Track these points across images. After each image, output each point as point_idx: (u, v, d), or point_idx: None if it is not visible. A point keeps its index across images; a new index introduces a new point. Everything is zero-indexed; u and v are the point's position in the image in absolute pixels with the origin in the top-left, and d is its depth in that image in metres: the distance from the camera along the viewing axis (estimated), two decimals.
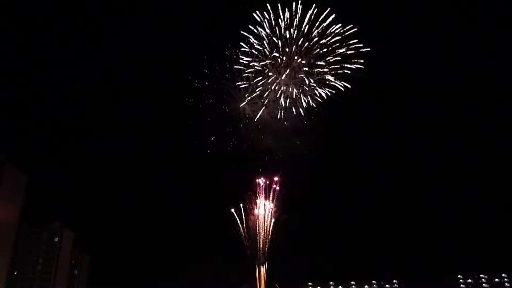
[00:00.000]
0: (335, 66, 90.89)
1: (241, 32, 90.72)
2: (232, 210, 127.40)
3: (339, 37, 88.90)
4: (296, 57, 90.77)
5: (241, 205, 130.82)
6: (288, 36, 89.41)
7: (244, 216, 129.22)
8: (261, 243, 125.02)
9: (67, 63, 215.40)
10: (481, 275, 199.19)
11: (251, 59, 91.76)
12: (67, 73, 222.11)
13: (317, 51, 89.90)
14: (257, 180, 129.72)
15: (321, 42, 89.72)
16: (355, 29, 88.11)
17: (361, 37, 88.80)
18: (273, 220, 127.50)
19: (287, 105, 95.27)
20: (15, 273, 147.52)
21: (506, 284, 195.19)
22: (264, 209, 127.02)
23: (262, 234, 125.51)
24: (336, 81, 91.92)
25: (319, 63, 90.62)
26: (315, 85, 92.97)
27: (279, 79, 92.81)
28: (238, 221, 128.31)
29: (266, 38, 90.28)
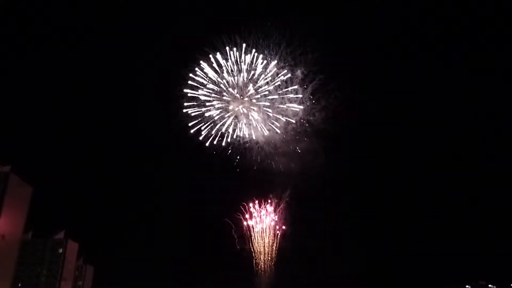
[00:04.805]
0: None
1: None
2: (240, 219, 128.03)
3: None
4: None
5: (247, 217, 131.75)
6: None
7: (252, 229, 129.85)
8: (267, 256, 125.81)
9: (69, 73, 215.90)
10: (489, 285, 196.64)
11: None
12: (70, 83, 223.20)
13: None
14: (269, 195, 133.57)
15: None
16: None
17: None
18: (279, 233, 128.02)
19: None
20: (19, 284, 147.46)
21: None
22: (270, 222, 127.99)
23: (267, 246, 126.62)
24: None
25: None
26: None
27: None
28: (247, 233, 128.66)
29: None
